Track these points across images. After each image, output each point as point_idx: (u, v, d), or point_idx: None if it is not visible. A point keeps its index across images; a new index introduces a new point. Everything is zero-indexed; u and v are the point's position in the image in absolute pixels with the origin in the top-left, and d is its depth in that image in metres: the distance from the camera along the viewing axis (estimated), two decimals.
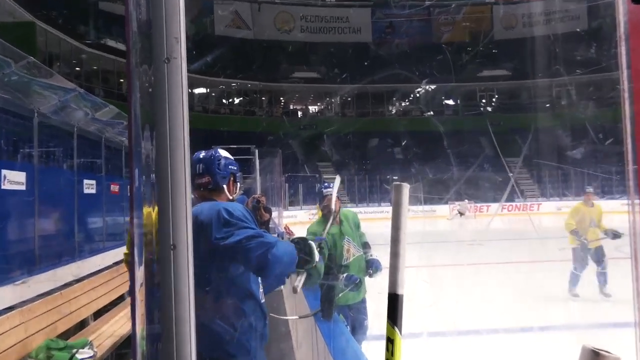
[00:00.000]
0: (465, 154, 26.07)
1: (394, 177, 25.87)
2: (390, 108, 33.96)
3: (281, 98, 33.89)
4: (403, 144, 28.31)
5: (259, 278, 1.90)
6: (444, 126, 28.24)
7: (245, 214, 1.78)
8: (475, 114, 30.81)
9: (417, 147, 27.99)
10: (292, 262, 1.83)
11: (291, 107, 34.33)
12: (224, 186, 1.95)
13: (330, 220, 2.69)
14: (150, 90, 0.84)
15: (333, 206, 3.09)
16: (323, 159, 30.94)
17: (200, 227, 1.70)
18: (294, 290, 1.95)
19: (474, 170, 24.57)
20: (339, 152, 30.19)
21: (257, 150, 9.79)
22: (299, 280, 1.94)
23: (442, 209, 23.94)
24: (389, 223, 0.98)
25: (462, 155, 26.53)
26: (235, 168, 2.03)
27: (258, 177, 9.85)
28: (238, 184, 2.05)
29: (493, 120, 31.79)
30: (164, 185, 0.82)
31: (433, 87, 32.59)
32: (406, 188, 0.99)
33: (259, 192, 9.26)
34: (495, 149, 29.08)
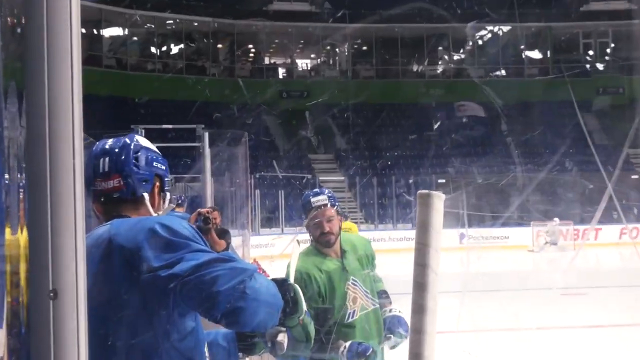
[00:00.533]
0: (543, 143, 26.15)
1: (441, 181, 25.98)
2: (424, 65, 33.90)
3: (249, 46, 33.98)
4: (435, 127, 28.35)
5: (205, 347, 1.91)
6: (518, 94, 28.27)
7: (193, 232, 1.83)
8: (577, 73, 30.93)
9: (461, 132, 28.00)
10: (277, 307, 1.87)
11: (267, 60, 34.43)
12: (144, 195, 1.98)
13: (295, 254, 2.72)
14: (19, 30, 0.85)
15: (327, 225, 3.08)
16: (320, 149, 31.08)
17: (118, 255, 1.74)
18: (277, 348, 1.97)
19: (553, 169, 24.53)
20: (344, 138, 30.26)
21: (207, 134, 9.79)
22: (283, 337, 1.99)
23: (515, 235, 24.04)
24: None
25: (535, 145, 26.62)
26: (163, 167, 2.06)
27: (208, 180, 9.85)
28: (167, 194, 2.08)
29: (607, 84, 31.98)
30: (40, 191, 0.82)
31: (505, 29, 32.72)
32: (439, 200, 1.00)
33: (209, 204, 9.25)
34: (603, 134, 29.22)
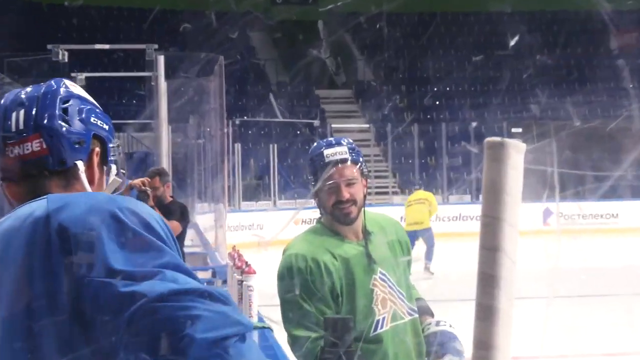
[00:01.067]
0: None
1: (515, 130, 25.85)
2: None
3: None
4: (512, 43, 27.92)
5: None
6: None
7: (163, 226, 1.85)
8: None
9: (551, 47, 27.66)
10: None
11: None
12: (78, 164, 1.99)
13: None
14: None
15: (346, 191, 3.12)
16: (334, 82, 31.00)
17: (57, 241, 1.75)
18: None
19: None
20: (369, 64, 30.16)
21: (162, 58, 9.82)
22: None
23: (628, 212, 24.04)
24: None
25: None
26: (106, 127, 2.08)
27: (164, 128, 9.93)
28: (112, 166, 2.11)
29: None
30: None
31: None
32: (517, 152, 1.01)
33: (164, 163, 9.34)
34: None
